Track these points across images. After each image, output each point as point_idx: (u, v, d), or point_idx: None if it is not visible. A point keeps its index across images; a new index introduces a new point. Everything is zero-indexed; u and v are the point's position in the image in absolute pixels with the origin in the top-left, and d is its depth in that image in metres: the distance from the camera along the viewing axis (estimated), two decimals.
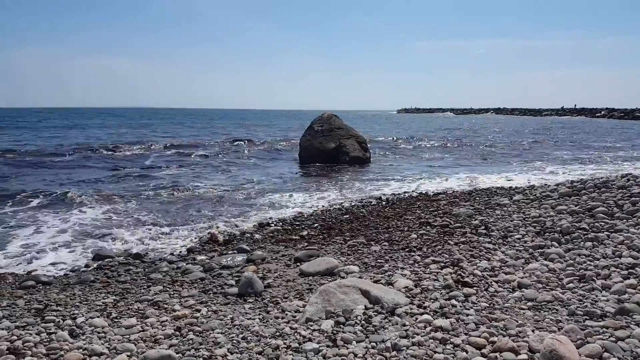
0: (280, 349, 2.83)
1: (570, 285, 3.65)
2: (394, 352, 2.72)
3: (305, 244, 5.62)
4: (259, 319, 3.34)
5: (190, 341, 2.98)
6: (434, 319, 3.10)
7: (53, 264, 5.22)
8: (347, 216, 7.11)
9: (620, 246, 4.39)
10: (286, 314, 3.39)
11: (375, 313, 3.24)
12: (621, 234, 4.71)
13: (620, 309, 3.07)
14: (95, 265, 5.08)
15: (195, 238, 6.26)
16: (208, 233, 6.41)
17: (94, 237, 6.27)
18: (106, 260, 5.22)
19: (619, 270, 3.83)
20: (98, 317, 3.44)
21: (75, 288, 4.30)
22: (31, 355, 2.86)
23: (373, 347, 2.79)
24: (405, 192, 9.30)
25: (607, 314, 3.08)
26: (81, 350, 2.89)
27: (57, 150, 17.58)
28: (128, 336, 3.09)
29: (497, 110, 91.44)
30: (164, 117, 52.60)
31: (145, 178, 11.50)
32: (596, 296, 3.41)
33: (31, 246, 5.81)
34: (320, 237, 5.93)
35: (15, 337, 3.09)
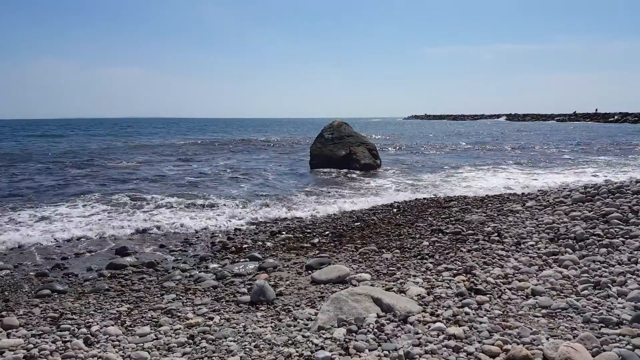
0: (293, 357, 2.83)
1: (585, 292, 3.61)
2: None
3: (317, 251, 5.63)
4: (271, 327, 3.35)
5: (204, 349, 3.00)
6: (447, 327, 3.08)
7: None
8: (358, 223, 7.10)
9: (636, 252, 4.33)
10: (298, 322, 3.39)
11: (388, 321, 3.23)
12: (637, 240, 4.65)
13: (637, 317, 3.03)
14: (109, 273, 5.13)
15: (207, 246, 6.30)
16: (219, 241, 6.46)
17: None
18: (120, 269, 5.28)
19: (635, 276, 3.77)
20: (112, 325, 3.48)
21: (90, 296, 4.35)
22: None
23: (386, 356, 2.78)
24: (416, 199, 9.27)
25: (624, 321, 3.04)
26: (96, 358, 2.93)
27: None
28: (142, 344, 3.12)
29: (509, 116, 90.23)
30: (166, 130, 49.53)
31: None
32: (612, 303, 3.36)
33: None
34: (332, 244, 5.93)
35: (31, 346, 3.14)
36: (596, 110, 74.89)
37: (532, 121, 75.83)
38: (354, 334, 3.07)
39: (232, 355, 2.90)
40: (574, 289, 3.71)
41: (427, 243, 5.53)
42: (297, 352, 2.88)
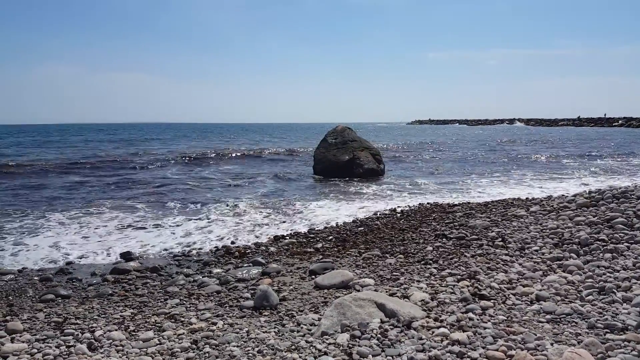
0: None
1: (590, 297, 3.59)
2: None
3: (320, 256, 5.62)
4: (275, 332, 3.34)
5: (207, 354, 3.00)
6: (451, 333, 3.07)
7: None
8: (362, 228, 7.09)
9: None
10: (301, 327, 3.39)
11: (391, 326, 3.22)
12: None
13: None
14: (113, 278, 5.14)
15: (210, 250, 6.31)
16: (223, 246, 6.46)
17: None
18: (124, 273, 5.29)
19: None
20: (116, 330, 3.48)
21: (94, 301, 4.36)
22: None
23: None
24: (420, 204, 9.26)
25: (629, 327, 3.02)
26: None
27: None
28: (145, 349, 3.12)
29: (512, 121, 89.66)
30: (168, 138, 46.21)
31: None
32: (617, 309, 3.34)
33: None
34: (335, 249, 5.92)
35: (35, 350, 3.15)
36: (605, 114, 74.10)
37: (536, 126, 75.32)
38: (357, 340, 3.06)
39: None
40: (578, 295, 3.69)
41: (430, 248, 5.52)
42: (300, 357, 2.88)
